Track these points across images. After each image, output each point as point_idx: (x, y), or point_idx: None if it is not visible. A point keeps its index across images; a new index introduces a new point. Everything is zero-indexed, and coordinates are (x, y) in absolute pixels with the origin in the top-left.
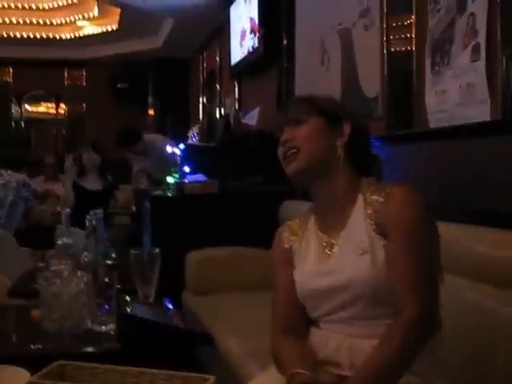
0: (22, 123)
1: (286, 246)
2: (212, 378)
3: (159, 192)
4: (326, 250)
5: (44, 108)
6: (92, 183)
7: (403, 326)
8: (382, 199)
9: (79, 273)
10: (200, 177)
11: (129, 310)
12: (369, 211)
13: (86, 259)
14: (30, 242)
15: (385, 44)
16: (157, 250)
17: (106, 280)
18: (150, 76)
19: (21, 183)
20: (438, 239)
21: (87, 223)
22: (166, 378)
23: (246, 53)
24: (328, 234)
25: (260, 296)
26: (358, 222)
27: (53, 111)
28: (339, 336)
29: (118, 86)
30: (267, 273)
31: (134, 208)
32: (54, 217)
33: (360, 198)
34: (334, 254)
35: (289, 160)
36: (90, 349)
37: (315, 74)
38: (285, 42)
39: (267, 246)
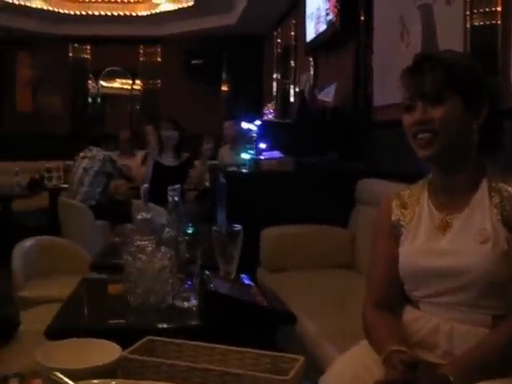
0: (99, 99)
1: (394, 218)
2: (301, 359)
3: (234, 168)
4: (440, 230)
5: (120, 84)
6: (168, 159)
7: None
8: (511, 189)
9: (163, 248)
10: (276, 153)
11: (211, 286)
12: (495, 199)
13: (169, 235)
14: (104, 216)
15: (468, 18)
16: (239, 227)
17: (187, 256)
18: (224, 52)
19: (107, 158)
20: None
21: (169, 199)
22: (254, 356)
23: (322, 28)
24: (444, 213)
25: (335, 274)
26: (482, 208)
27: (128, 87)
28: (439, 319)
29: (193, 62)
30: (343, 251)
31: (207, 184)
32: (129, 191)
33: (484, 183)
34: (449, 235)
35: (422, 144)
36: (172, 325)
37: (394, 50)
38: (362, 17)
39: (343, 224)
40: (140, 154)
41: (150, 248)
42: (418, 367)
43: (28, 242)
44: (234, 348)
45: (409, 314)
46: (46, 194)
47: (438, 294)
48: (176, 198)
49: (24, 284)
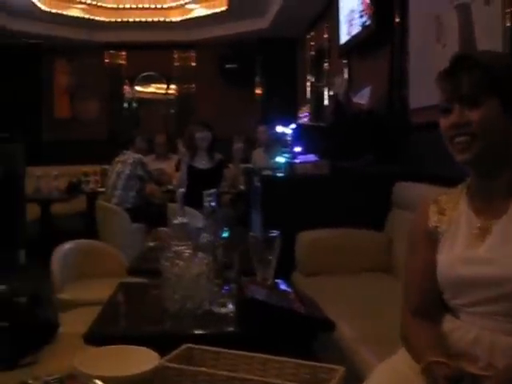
0: (134, 104)
1: (431, 224)
2: (341, 370)
3: (269, 172)
4: (479, 236)
5: (154, 89)
6: (202, 162)
7: None
8: None
9: (200, 254)
10: (311, 157)
11: (248, 292)
12: None
13: (206, 240)
14: (141, 219)
15: (507, 17)
16: (276, 233)
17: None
18: (258, 56)
19: (138, 161)
20: None
21: (206, 204)
22: (293, 366)
23: (356, 31)
24: (483, 218)
25: (371, 279)
26: None
27: (163, 92)
28: (478, 329)
29: (226, 66)
30: (379, 255)
31: (242, 187)
32: (165, 195)
33: None
34: (488, 242)
35: (460, 148)
36: (209, 331)
37: (430, 51)
38: (397, 18)
39: (379, 228)
40: (175, 158)
41: (187, 253)
42: (462, 380)
43: (67, 245)
44: (273, 357)
45: (448, 323)
46: (83, 198)
47: (476, 303)
48: (212, 204)
49: (63, 286)
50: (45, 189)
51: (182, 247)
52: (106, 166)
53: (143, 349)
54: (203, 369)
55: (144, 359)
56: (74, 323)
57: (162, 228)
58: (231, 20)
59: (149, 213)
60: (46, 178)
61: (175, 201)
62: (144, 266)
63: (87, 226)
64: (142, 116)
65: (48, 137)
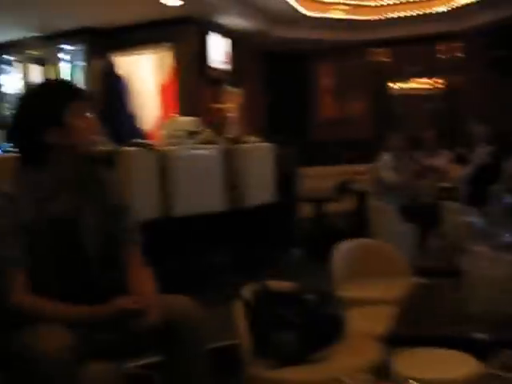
0: (399, 100)
1: None
2: None
3: None
4: None
5: (419, 84)
6: (481, 157)
7: None
8: None
9: (504, 254)
10: None
11: None
12: None
13: (508, 240)
14: (412, 218)
15: None
16: None
17: None
18: None
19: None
20: None
21: (505, 200)
22: None
23: None
24: None
25: None
26: None
27: (428, 86)
28: None
29: (498, 54)
30: None
31: None
32: (440, 193)
33: None
34: None
35: None
36: None
37: None
38: None
39: None
40: (445, 154)
41: (491, 254)
42: None
43: (347, 244)
44: None
45: None
46: (354, 197)
47: None
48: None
49: (343, 284)
50: (316, 188)
51: (484, 248)
52: (374, 165)
53: (459, 353)
54: None
55: (460, 363)
56: (358, 321)
57: (439, 227)
58: (500, 2)
59: (421, 212)
60: (316, 178)
61: (451, 198)
62: (430, 266)
63: (357, 224)
64: (407, 112)
65: (315, 137)
